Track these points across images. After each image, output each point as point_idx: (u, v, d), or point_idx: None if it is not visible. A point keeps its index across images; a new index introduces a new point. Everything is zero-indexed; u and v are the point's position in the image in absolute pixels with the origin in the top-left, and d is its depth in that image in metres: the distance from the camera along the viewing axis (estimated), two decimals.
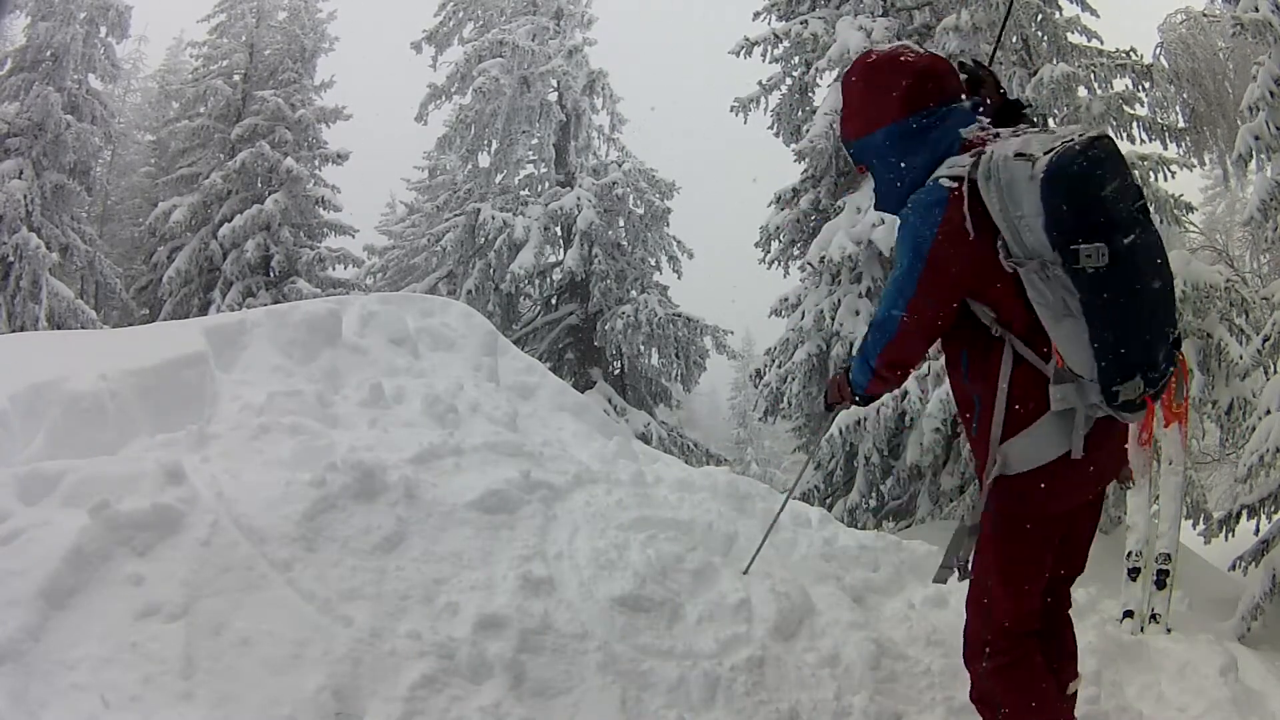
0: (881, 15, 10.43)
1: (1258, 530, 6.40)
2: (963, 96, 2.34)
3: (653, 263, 17.34)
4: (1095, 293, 1.99)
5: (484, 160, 17.75)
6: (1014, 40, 9.52)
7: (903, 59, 2.31)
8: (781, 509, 3.67)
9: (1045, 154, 1.98)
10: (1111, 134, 2.29)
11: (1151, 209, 9.21)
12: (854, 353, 2.54)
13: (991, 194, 2.05)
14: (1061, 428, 2.14)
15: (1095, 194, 1.98)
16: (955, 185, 2.15)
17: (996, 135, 2.22)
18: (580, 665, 2.76)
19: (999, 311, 2.18)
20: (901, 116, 2.26)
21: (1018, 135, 2.16)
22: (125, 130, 24.88)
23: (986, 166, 2.06)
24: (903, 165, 2.28)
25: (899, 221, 2.27)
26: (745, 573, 3.41)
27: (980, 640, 2.38)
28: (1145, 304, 2.03)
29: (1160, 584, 4.74)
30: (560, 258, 16.77)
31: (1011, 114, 2.53)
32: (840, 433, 9.73)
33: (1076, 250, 1.96)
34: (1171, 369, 2.15)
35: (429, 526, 3.10)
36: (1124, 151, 2.18)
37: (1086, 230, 1.96)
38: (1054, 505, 2.25)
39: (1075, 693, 2.61)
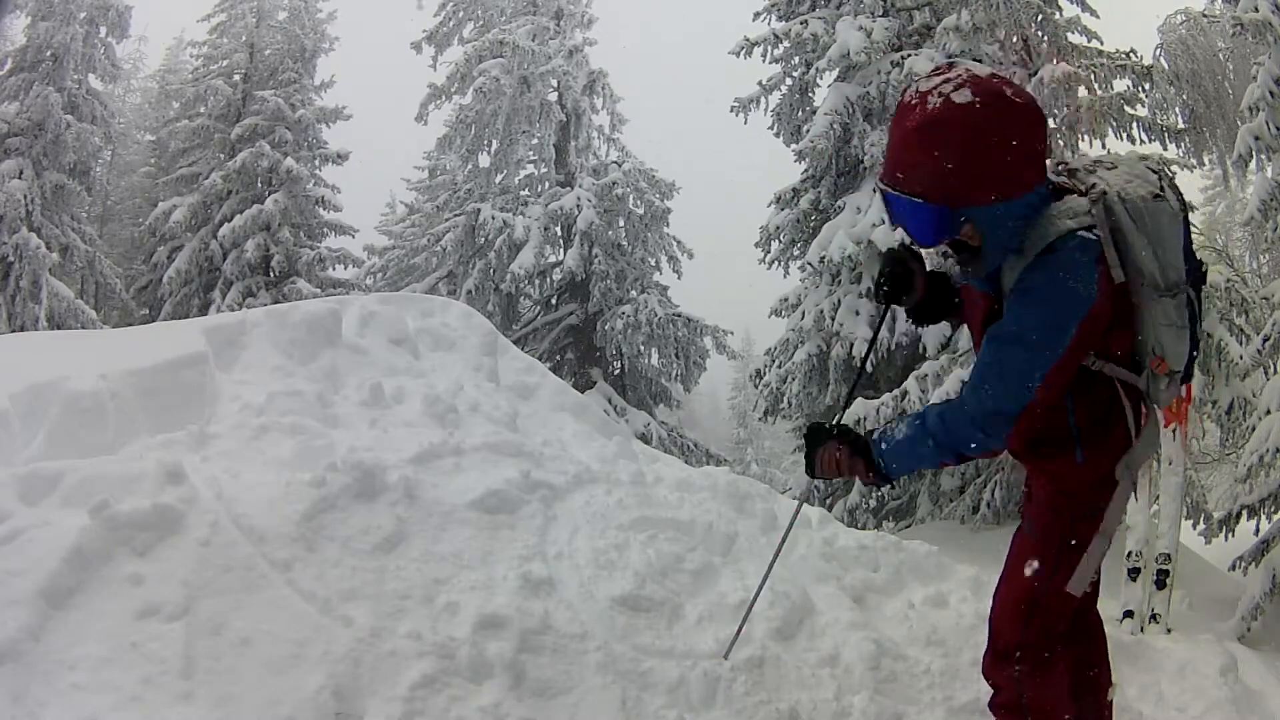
0: (881, 15, 10.43)
1: (1258, 530, 6.39)
2: None
3: (653, 263, 17.35)
4: (1199, 307, 2.25)
5: (484, 160, 17.77)
6: (1014, 40, 9.52)
7: (1035, 105, 2.03)
8: (781, 544, 3.16)
9: (1169, 190, 2.16)
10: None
11: None
12: (928, 430, 2.17)
13: (1140, 238, 2.08)
14: (1157, 427, 2.35)
15: (1188, 239, 2.22)
16: (1096, 236, 2.03)
17: (1073, 171, 2.20)
18: (580, 665, 2.76)
19: (1106, 346, 2.19)
20: (1043, 179, 2.05)
21: (1114, 169, 2.19)
22: (125, 130, 24.89)
23: (1136, 209, 2.08)
24: (1022, 226, 2.04)
25: (1025, 278, 2.04)
26: (725, 658, 2.96)
27: (1013, 646, 2.33)
28: None
29: (1160, 584, 4.74)
30: (560, 258, 16.78)
31: None
32: None
33: (1205, 272, 2.28)
34: None
35: (429, 526, 3.10)
36: (1124, 153, 2.29)
37: (1191, 267, 2.23)
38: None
39: (1111, 701, 2.62)
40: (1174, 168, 8.85)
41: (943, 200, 1.99)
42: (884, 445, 2.25)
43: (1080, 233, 2.01)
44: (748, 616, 3.00)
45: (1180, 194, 2.20)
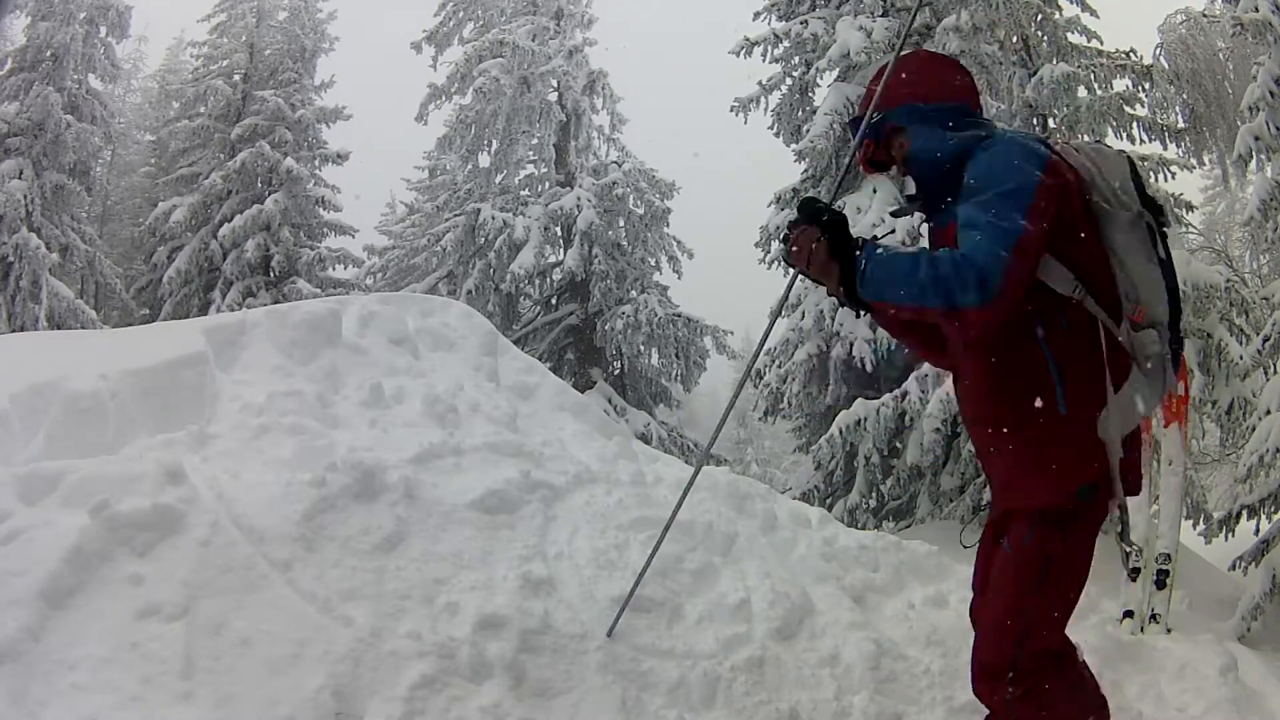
0: (881, 15, 10.43)
1: (1258, 530, 6.40)
2: None
3: (653, 263, 17.35)
4: (1164, 250, 2.22)
5: (484, 160, 17.77)
6: (1014, 40, 9.52)
7: (962, 65, 2.49)
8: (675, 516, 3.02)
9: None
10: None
11: None
12: (917, 270, 2.00)
13: (1086, 161, 2.21)
14: (1146, 384, 2.16)
15: (1136, 178, 2.25)
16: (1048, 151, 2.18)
17: None
18: (580, 665, 2.76)
19: (1081, 270, 2.13)
20: (968, 101, 2.35)
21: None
22: (125, 130, 24.89)
23: (1077, 145, 2.28)
24: (951, 139, 2.23)
25: (976, 162, 2.13)
26: (609, 635, 2.91)
27: (1006, 665, 2.21)
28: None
29: (1160, 584, 4.74)
30: (560, 258, 16.77)
31: None
32: (840, 433, 9.73)
33: (1161, 207, 2.26)
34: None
35: (429, 526, 3.10)
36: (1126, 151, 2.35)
37: (1145, 199, 2.24)
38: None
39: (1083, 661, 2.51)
40: (1174, 168, 8.86)
41: (876, 108, 2.34)
42: (876, 251, 2.08)
43: (1029, 140, 2.22)
44: (638, 583, 2.94)
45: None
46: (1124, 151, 2.34)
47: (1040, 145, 2.17)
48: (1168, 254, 2.23)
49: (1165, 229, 2.26)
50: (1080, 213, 2.15)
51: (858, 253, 2.08)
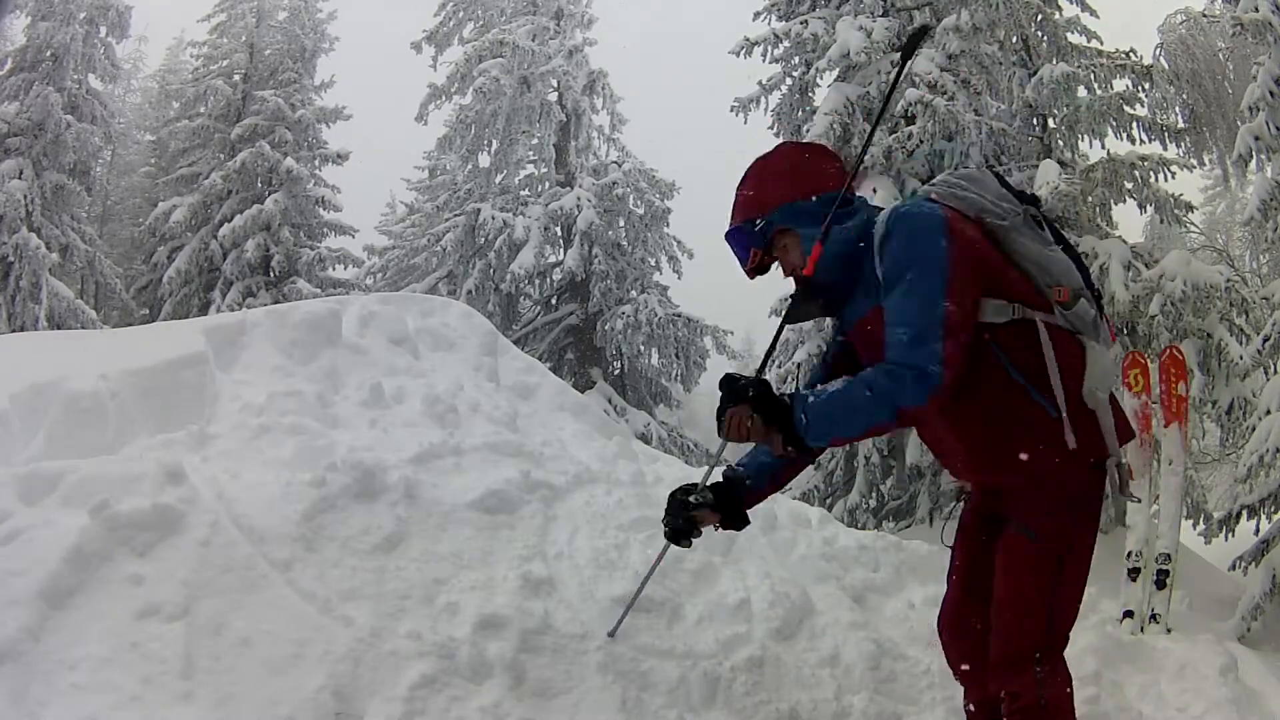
0: (881, 15, 10.43)
1: (1258, 530, 6.41)
2: None
3: (653, 263, 17.35)
4: (1060, 234, 2.41)
5: (484, 160, 17.78)
6: (1014, 40, 9.52)
7: (826, 147, 2.66)
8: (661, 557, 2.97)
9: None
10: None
11: (1152, 209, 9.22)
12: (853, 398, 2.13)
13: (959, 190, 2.34)
14: (1098, 345, 2.30)
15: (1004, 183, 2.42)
16: (925, 194, 2.37)
17: None
18: (580, 665, 2.76)
19: (1010, 292, 2.25)
20: (840, 186, 2.35)
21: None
22: (125, 130, 24.90)
23: (943, 180, 2.43)
24: (847, 230, 2.30)
25: (886, 249, 2.21)
26: (612, 635, 2.91)
27: (1032, 649, 2.24)
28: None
29: (1160, 584, 4.74)
30: (560, 258, 16.78)
31: None
32: None
33: (1033, 200, 2.40)
34: None
35: (429, 526, 3.10)
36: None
37: (1020, 196, 2.39)
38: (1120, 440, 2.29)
39: None
40: (1174, 168, 8.86)
41: (745, 216, 2.37)
42: (809, 401, 2.16)
43: (921, 203, 2.32)
44: (639, 591, 2.96)
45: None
46: (982, 167, 2.49)
47: (927, 207, 2.26)
48: (1055, 231, 2.41)
49: (1045, 213, 2.42)
50: (986, 246, 2.27)
51: (792, 412, 2.16)
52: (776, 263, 2.42)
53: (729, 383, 2.24)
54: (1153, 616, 4.66)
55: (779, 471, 2.59)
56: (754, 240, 2.36)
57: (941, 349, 2.06)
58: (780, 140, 11.65)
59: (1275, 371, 6.60)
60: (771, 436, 2.19)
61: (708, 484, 2.60)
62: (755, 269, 2.41)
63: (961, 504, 2.72)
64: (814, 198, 2.32)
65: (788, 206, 2.32)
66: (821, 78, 11.12)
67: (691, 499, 2.56)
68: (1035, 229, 2.35)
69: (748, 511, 2.61)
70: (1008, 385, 2.21)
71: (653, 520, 3.55)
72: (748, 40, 10.90)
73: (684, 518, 2.56)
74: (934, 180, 2.52)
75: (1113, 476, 2.27)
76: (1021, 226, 2.33)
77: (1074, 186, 8.20)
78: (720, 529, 2.61)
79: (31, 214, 16.23)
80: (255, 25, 20.62)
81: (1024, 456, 2.21)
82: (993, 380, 2.21)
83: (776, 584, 3.40)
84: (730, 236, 2.41)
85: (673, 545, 2.66)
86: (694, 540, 2.63)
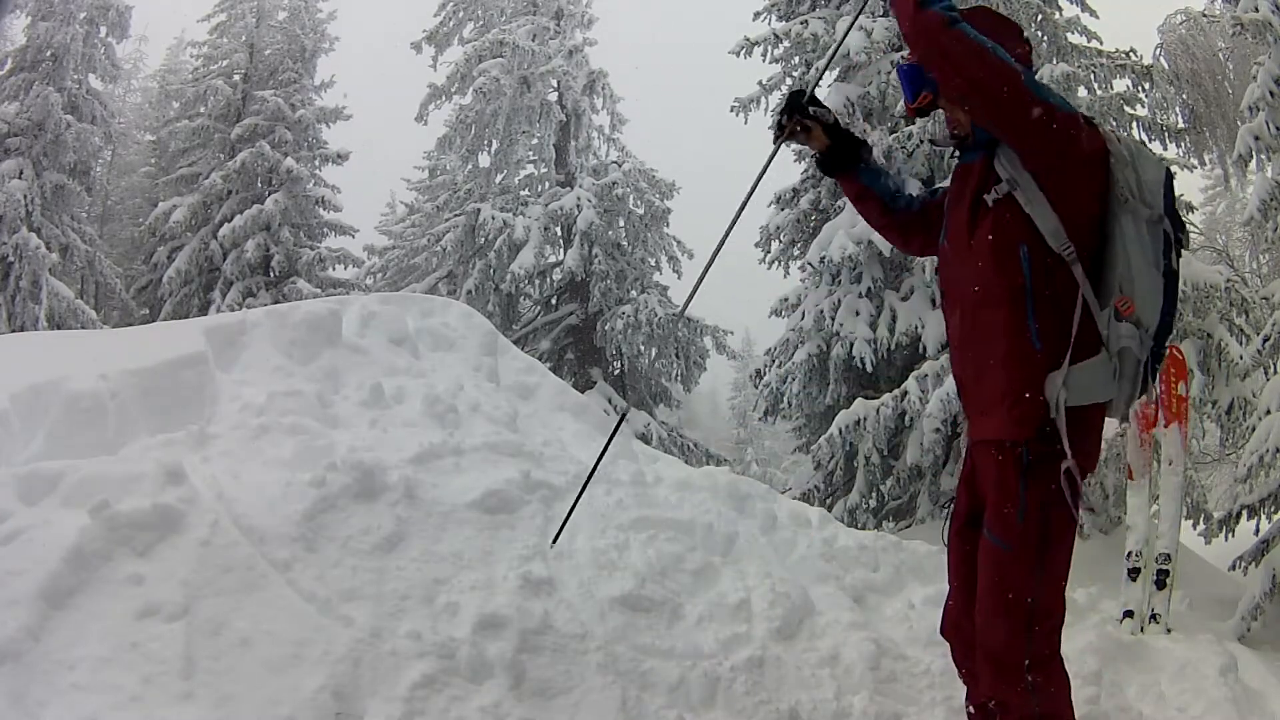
0: (882, 15, 10.42)
1: (1258, 530, 6.40)
2: None
3: (653, 263, 17.34)
4: (1174, 263, 2.23)
5: (484, 160, 17.76)
6: None
7: (1023, 30, 2.46)
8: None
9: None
10: None
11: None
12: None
13: (1122, 151, 2.22)
14: (1109, 373, 2.18)
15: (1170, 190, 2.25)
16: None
17: None
18: (580, 665, 2.76)
19: (1076, 232, 2.19)
20: (1027, 66, 2.30)
21: None
22: (125, 130, 24.89)
23: (1119, 135, 2.28)
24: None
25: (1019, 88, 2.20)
26: (553, 544, 3.18)
27: (1021, 657, 2.20)
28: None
29: (1160, 584, 4.74)
30: (560, 258, 16.77)
31: None
32: (840, 433, 9.73)
33: (1184, 223, 2.23)
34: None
35: (429, 526, 3.10)
36: None
37: (1172, 211, 2.23)
38: (1090, 462, 2.24)
39: None
40: (1174, 168, 8.86)
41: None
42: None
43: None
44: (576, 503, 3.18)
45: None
46: (1165, 161, 2.37)
47: (1100, 137, 2.23)
48: (1177, 267, 2.25)
49: (1184, 245, 2.27)
50: (1099, 180, 2.20)
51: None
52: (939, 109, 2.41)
53: (794, 96, 2.57)
54: (1153, 616, 4.65)
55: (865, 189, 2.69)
56: (929, 84, 2.34)
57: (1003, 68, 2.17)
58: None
59: (1275, 371, 6.59)
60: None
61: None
62: (918, 110, 2.42)
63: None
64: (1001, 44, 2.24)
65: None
66: (822, 78, 11.11)
67: (813, 110, 2.60)
68: (1159, 240, 2.22)
69: (855, 173, 2.65)
70: (1012, 271, 2.22)
71: (653, 520, 3.56)
72: (748, 40, 10.89)
73: (802, 112, 2.58)
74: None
75: (1069, 481, 2.19)
76: (1145, 222, 2.21)
77: None
78: (817, 157, 2.66)
79: (31, 214, 16.22)
80: (255, 25, 20.60)
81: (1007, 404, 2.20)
82: (1007, 287, 2.22)
83: (776, 584, 3.40)
84: (903, 71, 2.39)
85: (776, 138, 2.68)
86: (789, 137, 2.64)
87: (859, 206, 2.72)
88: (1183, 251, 2.27)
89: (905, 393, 8.93)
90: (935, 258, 2.55)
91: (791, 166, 11.67)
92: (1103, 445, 6.91)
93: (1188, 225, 9.07)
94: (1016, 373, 2.20)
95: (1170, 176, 2.25)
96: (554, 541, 3.18)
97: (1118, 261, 2.19)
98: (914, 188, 2.75)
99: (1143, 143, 2.40)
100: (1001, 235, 2.23)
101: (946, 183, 2.55)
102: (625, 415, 3.03)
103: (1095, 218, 2.21)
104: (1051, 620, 2.26)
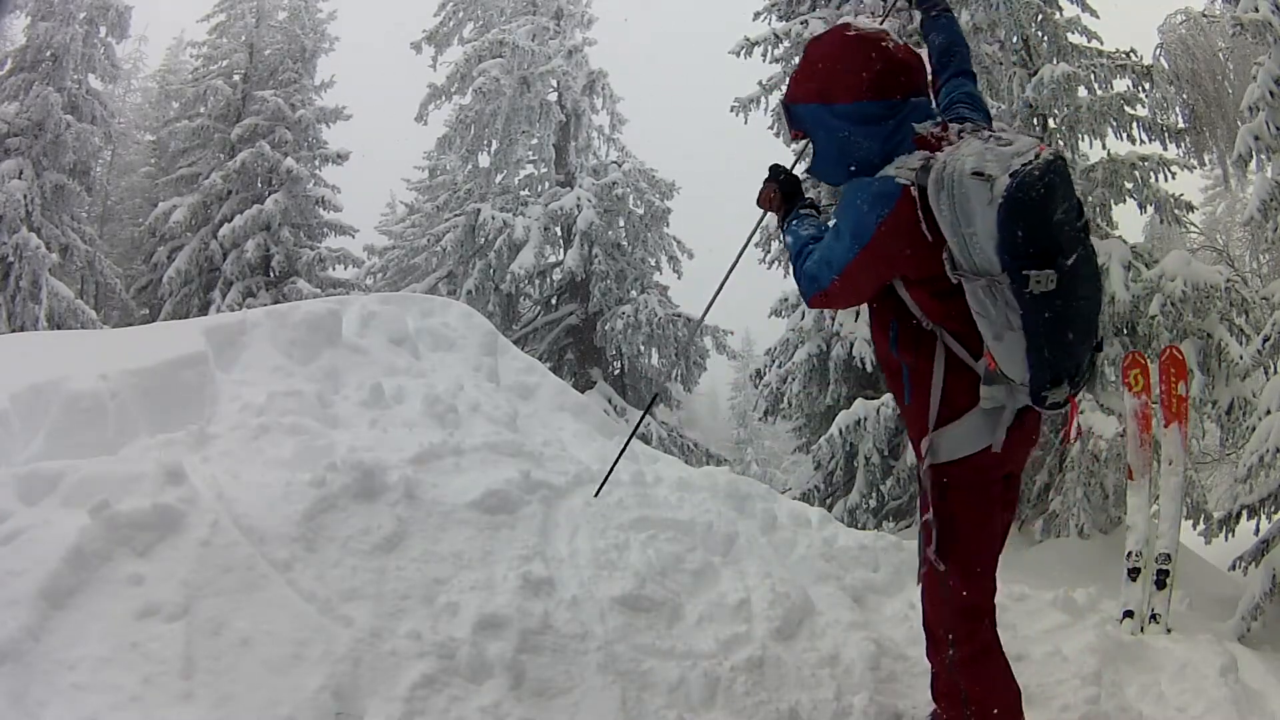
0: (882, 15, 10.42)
1: (1258, 530, 6.40)
2: (926, 93, 2.41)
3: (653, 263, 17.34)
4: (1038, 313, 2.04)
5: (484, 160, 17.75)
6: (1014, 40, 9.52)
7: (882, 43, 2.32)
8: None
9: (1005, 175, 1.98)
10: (1062, 153, 2.16)
11: (1152, 209, 9.22)
12: (796, 252, 2.51)
13: (942, 206, 2.06)
14: (988, 423, 2.26)
15: (1049, 220, 2.00)
16: (907, 183, 2.16)
17: (947, 137, 2.23)
18: (580, 665, 2.76)
19: (930, 311, 2.27)
20: (864, 99, 2.27)
21: (970, 140, 2.13)
22: (125, 130, 24.90)
23: (939, 176, 2.05)
24: (851, 145, 2.30)
25: (843, 194, 2.34)
26: (596, 495, 3.54)
27: (942, 628, 2.40)
28: (1081, 320, 2.12)
29: (1160, 584, 4.74)
30: (560, 258, 16.77)
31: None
32: (840, 433, 9.73)
33: (1027, 275, 1.99)
34: (1093, 368, 2.27)
35: (429, 526, 3.10)
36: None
37: (1038, 257, 1.99)
38: (985, 478, 2.34)
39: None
40: (1174, 168, 8.85)
41: (788, 97, 2.46)
42: (793, 223, 2.59)
43: (895, 177, 2.20)
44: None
45: (1041, 187, 1.98)
46: (996, 194, 2.02)
47: (893, 185, 2.18)
48: (1049, 318, 2.05)
49: (1045, 291, 2.03)
50: (935, 260, 2.13)
51: (790, 213, 2.63)
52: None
53: (776, 169, 2.75)
54: (1153, 616, 4.65)
55: None
56: (791, 123, 2.49)
57: (814, 291, 2.44)
58: (779, 138, 11.69)
59: (1275, 371, 6.59)
60: (778, 212, 2.68)
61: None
62: (797, 139, 2.56)
63: None
64: (835, 105, 2.31)
65: (802, 108, 2.41)
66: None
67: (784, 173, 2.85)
68: (992, 299, 2.23)
69: None
70: (885, 349, 2.44)
71: (653, 520, 3.56)
72: (748, 40, 10.90)
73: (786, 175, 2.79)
74: (1007, 154, 2.04)
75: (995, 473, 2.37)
76: (980, 289, 2.18)
77: (1075, 187, 8.19)
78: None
79: (31, 214, 16.22)
80: (255, 25, 20.61)
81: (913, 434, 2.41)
82: (887, 340, 2.40)
83: (776, 584, 3.40)
84: (782, 104, 2.58)
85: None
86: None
87: None
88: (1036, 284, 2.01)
89: None
90: None
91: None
92: (1102, 445, 6.93)
93: (1181, 219, 9.08)
94: (910, 429, 2.45)
95: (1012, 204, 1.97)
96: (597, 493, 3.57)
97: (977, 322, 2.14)
98: None
99: (978, 175, 2.02)
100: (877, 315, 2.43)
101: None
102: (657, 398, 3.28)
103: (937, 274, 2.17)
104: (958, 597, 2.36)
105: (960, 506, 2.33)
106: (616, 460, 3.65)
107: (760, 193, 2.73)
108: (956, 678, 2.39)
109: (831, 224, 2.41)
